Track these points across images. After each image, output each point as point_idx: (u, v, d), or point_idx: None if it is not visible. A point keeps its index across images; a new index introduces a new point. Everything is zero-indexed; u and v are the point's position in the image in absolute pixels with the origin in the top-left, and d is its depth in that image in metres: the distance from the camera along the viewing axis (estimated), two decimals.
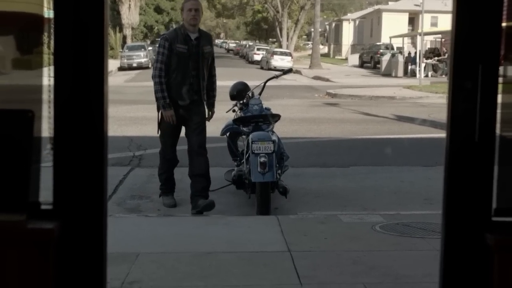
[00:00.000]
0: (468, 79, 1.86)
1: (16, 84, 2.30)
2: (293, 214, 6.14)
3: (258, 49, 48.42)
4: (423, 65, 30.88)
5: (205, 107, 6.67)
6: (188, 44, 6.44)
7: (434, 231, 5.17)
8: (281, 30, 54.75)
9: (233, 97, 7.46)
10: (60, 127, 2.00)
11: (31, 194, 2.02)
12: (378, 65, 39.34)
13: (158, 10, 56.89)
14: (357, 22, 61.75)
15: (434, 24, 47.32)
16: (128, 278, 4.13)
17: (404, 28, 50.73)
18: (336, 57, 60.03)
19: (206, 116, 6.68)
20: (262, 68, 40.37)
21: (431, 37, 39.74)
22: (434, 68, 34.63)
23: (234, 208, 6.62)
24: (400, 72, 34.33)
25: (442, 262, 2.03)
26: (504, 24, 1.86)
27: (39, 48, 2.15)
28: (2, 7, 2.15)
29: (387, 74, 34.89)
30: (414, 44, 40.47)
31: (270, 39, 70.21)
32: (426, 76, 32.04)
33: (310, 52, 50.73)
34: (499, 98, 1.81)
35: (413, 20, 52.24)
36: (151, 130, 11.62)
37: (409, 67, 34.46)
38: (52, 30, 1.93)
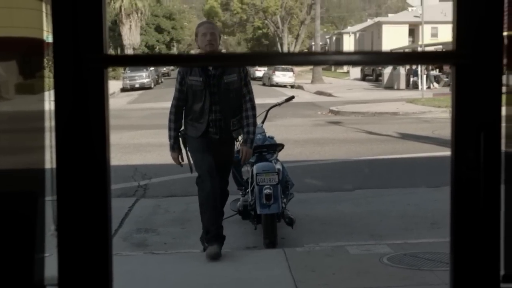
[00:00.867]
0: (470, 149, 1.86)
1: (19, 110, 2.30)
2: (300, 247, 6.11)
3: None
4: (424, 76, 30.91)
5: (238, 144, 6.00)
6: (204, 75, 5.60)
7: (442, 261, 5.14)
8: (282, 45, 54.96)
9: None
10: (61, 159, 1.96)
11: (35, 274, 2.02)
12: (380, 78, 39.42)
13: (159, 29, 57.18)
14: (357, 35, 61.94)
15: (434, 34, 47.45)
16: None
17: (405, 39, 50.87)
18: (337, 70, 60.15)
19: (239, 153, 5.98)
20: (264, 84, 40.45)
21: (432, 48, 39.86)
22: (436, 79, 34.68)
23: (241, 238, 6.60)
24: (402, 84, 34.38)
25: None
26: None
27: (41, 73, 2.18)
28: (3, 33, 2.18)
29: (389, 86, 34.93)
30: None
31: None
32: (429, 87, 32.08)
33: (311, 66, 50.83)
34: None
35: (413, 31, 52.38)
36: (156, 157, 11.77)
37: (411, 79, 34.50)
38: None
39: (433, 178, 8.77)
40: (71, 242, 1.93)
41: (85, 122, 1.89)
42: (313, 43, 53.10)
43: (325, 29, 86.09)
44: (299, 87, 39.39)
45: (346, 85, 38.91)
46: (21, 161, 2.23)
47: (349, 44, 61.67)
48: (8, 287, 2.01)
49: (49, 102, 2.04)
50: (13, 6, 2.17)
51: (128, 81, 40.40)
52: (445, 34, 44.02)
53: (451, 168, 1.93)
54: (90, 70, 1.88)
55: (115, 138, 12.70)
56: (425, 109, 19.12)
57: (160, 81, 46.65)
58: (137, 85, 39.87)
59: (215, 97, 5.62)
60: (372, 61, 2.01)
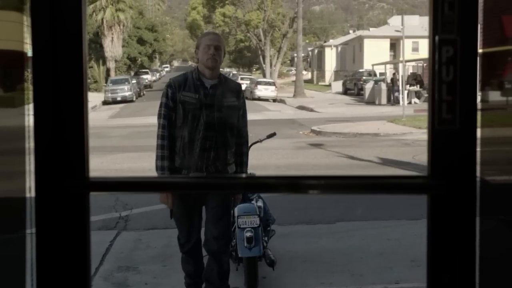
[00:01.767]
0: (446, 273, 1.91)
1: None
2: None
3: (242, 79, 48.58)
4: (406, 92, 31.16)
5: None
6: (200, 93, 4.68)
7: None
8: (264, 58, 55.12)
9: None
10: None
11: None
12: (361, 92, 39.68)
13: (141, 41, 57.11)
14: (339, 48, 62.31)
15: (415, 49, 47.89)
16: None
17: (386, 53, 51.29)
18: (319, 83, 60.42)
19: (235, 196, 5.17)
20: (246, 98, 40.42)
21: (413, 63, 40.19)
22: (417, 95, 34.99)
23: None
24: (384, 99, 34.66)
25: None
26: None
27: (21, 85, 2.19)
28: None
29: (371, 102, 35.18)
30: (396, 69, 40.90)
31: (254, 66, 70.60)
32: (410, 103, 32.33)
33: (293, 78, 51.09)
34: None
35: (394, 45, 52.82)
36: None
37: (393, 94, 34.78)
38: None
39: (413, 210, 8.83)
40: (51, 283, 1.92)
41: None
42: (295, 54, 53.35)
43: (307, 41, 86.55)
44: (281, 101, 39.51)
45: (328, 99, 39.09)
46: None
47: (331, 57, 61.98)
48: None
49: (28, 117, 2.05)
50: None
51: (109, 94, 40.31)
52: (426, 49, 44.39)
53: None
54: (71, 196, 1.90)
55: (96, 162, 12.65)
56: (405, 130, 19.35)
57: (142, 93, 46.55)
58: (118, 98, 39.77)
59: (211, 121, 4.67)
60: (341, 187, 2.06)
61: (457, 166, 1.86)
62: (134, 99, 41.14)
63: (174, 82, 4.75)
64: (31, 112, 2.02)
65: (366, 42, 54.11)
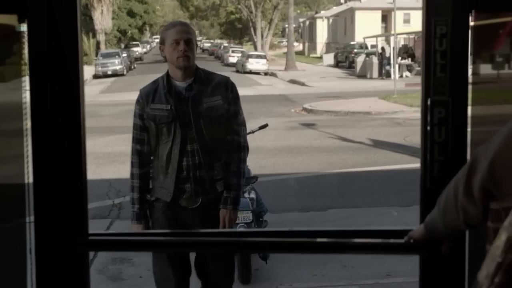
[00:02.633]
0: None
1: None
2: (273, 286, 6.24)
3: (233, 51, 48.25)
4: (397, 66, 31.09)
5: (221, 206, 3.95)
6: (172, 101, 3.84)
7: None
8: (255, 30, 54.82)
9: None
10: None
11: None
12: (353, 65, 39.60)
13: (131, 14, 56.66)
14: (330, 20, 62.00)
15: (407, 20, 47.73)
16: None
17: (378, 25, 51.11)
18: (311, 55, 60.21)
19: (224, 221, 3.93)
20: (238, 71, 40.34)
21: (404, 35, 40.08)
22: (409, 68, 34.97)
23: None
24: (375, 73, 34.62)
25: None
26: None
27: (11, 59, 2.24)
28: None
29: (362, 75, 35.13)
30: (388, 41, 40.77)
31: (245, 38, 70.28)
32: (401, 76, 32.32)
33: (285, 49, 50.87)
34: None
35: (386, 17, 52.60)
36: (129, 169, 11.62)
37: (384, 68, 34.74)
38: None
39: (404, 195, 8.91)
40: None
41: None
42: (286, 26, 53.08)
43: (298, 11, 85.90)
44: (273, 74, 39.42)
45: (320, 73, 38.99)
46: None
47: (322, 29, 61.70)
48: None
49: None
50: None
51: (100, 68, 40.10)
52: (417, 21, 44.33)
53: None
54: (71, 254, 1.93)
55: (88, 145, 12.56)
56: (397, 108, 19.41)
57: (133, 67, 46.31)
58: (109, 72, 39.57)
59: (189, 132, 3.83)
60: (334, 246, 2.12)
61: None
62: (124, 72, 40.95)
63: (141, 94, 3.91)
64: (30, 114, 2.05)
65: (358, 14, 53.85)
